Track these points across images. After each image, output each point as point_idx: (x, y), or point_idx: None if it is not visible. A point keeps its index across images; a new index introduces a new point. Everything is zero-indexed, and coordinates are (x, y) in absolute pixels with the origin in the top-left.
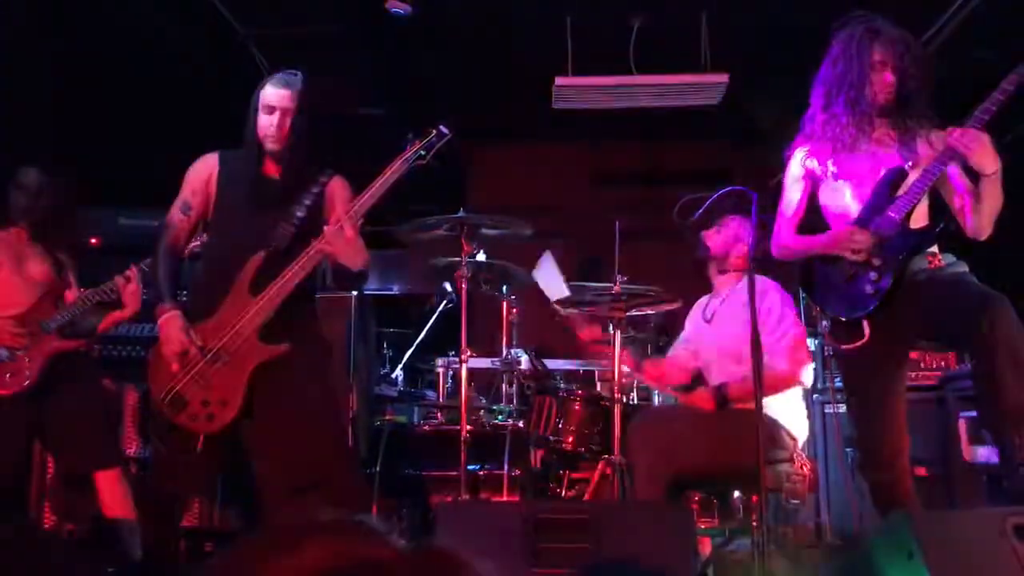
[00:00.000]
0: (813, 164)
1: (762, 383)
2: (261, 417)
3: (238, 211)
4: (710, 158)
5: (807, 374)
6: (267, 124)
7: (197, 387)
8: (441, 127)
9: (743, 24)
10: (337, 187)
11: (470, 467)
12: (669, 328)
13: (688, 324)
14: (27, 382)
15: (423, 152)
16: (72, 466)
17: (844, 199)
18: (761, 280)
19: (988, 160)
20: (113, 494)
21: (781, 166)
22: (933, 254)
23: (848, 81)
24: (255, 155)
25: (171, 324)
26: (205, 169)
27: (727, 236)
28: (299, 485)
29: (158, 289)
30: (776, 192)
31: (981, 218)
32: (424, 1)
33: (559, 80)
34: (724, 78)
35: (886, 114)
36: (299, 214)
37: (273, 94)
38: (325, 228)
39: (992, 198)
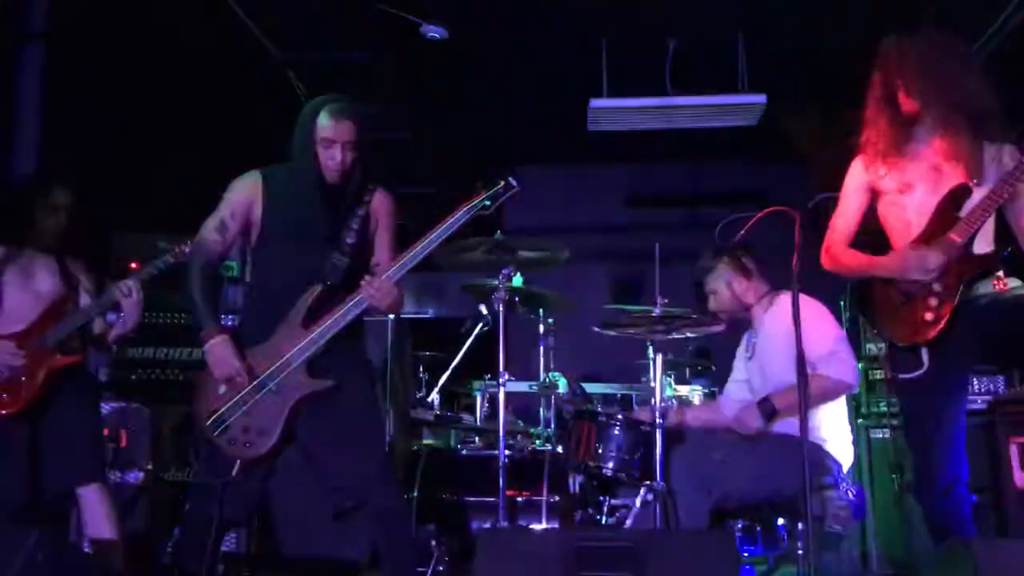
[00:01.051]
0: (875, 175)
1: (807, 404)
2: (308, 439)
3: (289, 238)
4: (748, 179)
5: (855, 375)
6: (327, 157)
7: (240, 413)
8: (511, 179)
9: (781, 44)
10: (381, 203)
11: (508, 492)
12: (708, 352)
13: (736, 361)
14: (24, 402)
15: (488, 202)
16: (52, 480)
17: (905, 214)
18: (787, 296)
19: None
20: (95, 510)
21: (820, 187)
22: (998, 277)
23: (883, 92)
24: (307, 182)
25: (221, 348)
26: (248, 191)
27: (723, 301)
28: (345, 506)
29: (198, 313)
30: (816, 213)
31: None
32: (459, 24)
33: (594, 102)
34: (762, 99)
35: (944, 126)
36: (349, 241)
37: (334, 128)
38: (363, 283)
39: None
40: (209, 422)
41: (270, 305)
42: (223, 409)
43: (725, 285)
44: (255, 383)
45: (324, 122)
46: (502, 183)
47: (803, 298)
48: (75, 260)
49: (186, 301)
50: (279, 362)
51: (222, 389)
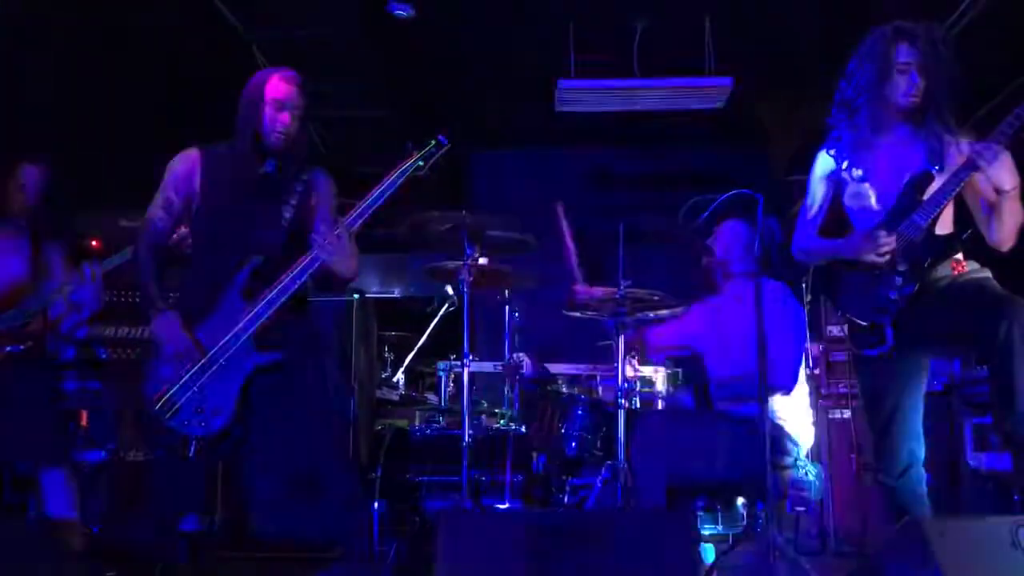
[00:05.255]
0: (837, 165)
1: (765, 386)
2: (258, 418)
3: (227, 213)
4: (713, 162)
5: (795, 383)
6: (276, 120)
7: (190, 393)
8: (440, 137)
9: (748, 27)
10: (321, 181)
11: (471, 472)
12: None
13: (693, 311)
14: None
15: (421, 163)
16: (16, 462)
17: (868, 201)
18: (781, 287)
19: (1006, 177)
20: (56, 493)
21: (785, 170)
22: (958, 260)
23: (872, 80)
24: (248, 151)
25: (170, 324)
26: (186, 166)
27: (723, 241)
28: (295, 485)
29: (146, 291)
30: (780, 196)
31: (1003, 230)
32: (426, 2)
33: (562, 83)
34: (728, 82)
35: (911, 116)
36: (287, 215)
37: (285, 91)
38: (315, 236)
39: (1012, 213)
40: (158, 407)
41: (209, 281)
42: (173, 391)
43: (738, 240)
44: (204, 360)
45: (275, 85)
46: (433, 143)
47: (793, 302)
48: (53, 243)
49: (135, 280)
50: (227, 337)
51: (168, 371)
